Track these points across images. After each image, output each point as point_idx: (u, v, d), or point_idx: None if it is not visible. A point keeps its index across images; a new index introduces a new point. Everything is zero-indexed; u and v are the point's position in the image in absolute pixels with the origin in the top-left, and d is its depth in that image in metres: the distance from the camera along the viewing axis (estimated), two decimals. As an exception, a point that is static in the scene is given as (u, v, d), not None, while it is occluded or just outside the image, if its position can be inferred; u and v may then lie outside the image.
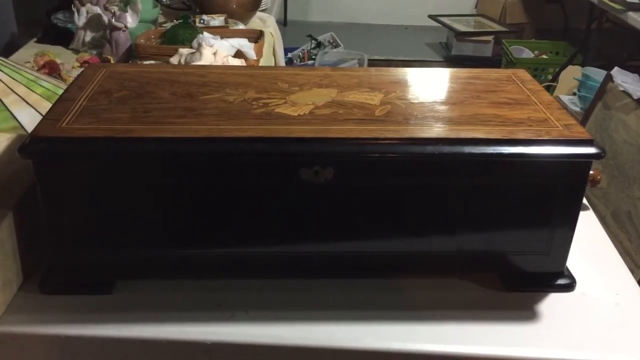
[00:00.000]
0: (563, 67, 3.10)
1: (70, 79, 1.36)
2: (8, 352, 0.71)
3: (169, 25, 1.78)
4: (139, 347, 0.71)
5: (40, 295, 0.74)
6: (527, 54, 3.48)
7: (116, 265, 0.75)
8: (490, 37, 3.93)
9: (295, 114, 0.74)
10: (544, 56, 3.52)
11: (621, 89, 2.03)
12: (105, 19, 1.67)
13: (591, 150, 0.70)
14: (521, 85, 0.86)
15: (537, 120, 0.75)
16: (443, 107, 0.78)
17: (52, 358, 0.72)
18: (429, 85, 0.86)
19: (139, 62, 1.51)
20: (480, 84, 0.86)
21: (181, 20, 1.67)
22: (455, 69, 0.93)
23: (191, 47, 1.48)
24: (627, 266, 0.86)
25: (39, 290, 0.74)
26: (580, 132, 0.72)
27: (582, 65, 2.92)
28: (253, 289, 0.76)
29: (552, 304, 0.77)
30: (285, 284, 0.77)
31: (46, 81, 1.05)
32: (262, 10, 2.23)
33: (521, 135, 0.71)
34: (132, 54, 1.64)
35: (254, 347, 0.70)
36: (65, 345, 0.70)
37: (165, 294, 0.75)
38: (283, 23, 4.38)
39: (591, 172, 0.75)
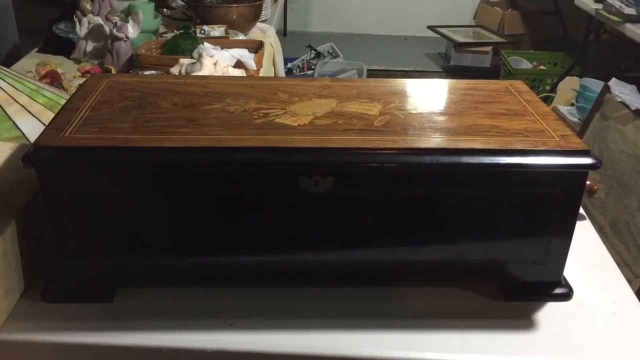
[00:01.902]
0: (561, 78, 3.12)
1: (72, 89, 1.37)
2: (10, 360, 0.72)
3: (169, 35, 1.79)
4: (140, 355, 0.71)
5: (42, 303, 0.74)
6: (526, 64, 3.50)
7: (117, 273, 0.75)
8: (488, 48, 3.95)
9: (295, 124, 0.75)
10: (542, 67, 3.53)
11: (619, 99, 2.04)
12: (107, 29, 1.68)
13: (587, 160, 0.71)
14: (518, 96, 0.87)
15: (534, 131, 0.76)
16: (441, 118, 0.79)
17: (53, 366, 0.72)
18: (427, 96, 0.87)
19: (139, 72, 1.52)
20: (477, 95, 0.87)
21: (182, 31, 1.68)
22: (453, 80, 0.94)
23: (192, 58, 1.49)
24: (625, 276, 0.87)
25: (41, 298, 0.74)
26: (576, 142, 0.73)
27: (580, 76, 2.93)
28: (254, 297, 0.77)
29: (549, 313, 0.78)
30: (286, 292, 0.78)
31: (48, 91, 1.06)
32: (262, 21, 2.25)
33: (518, 146, 0.72)
34: (133, 64, 1.65)
35: (255, 355, 0.70)
36: (67, 353, 0.71)
37: (166, 302, 0.76)
38: (283, 33, 4.41)
39: (588, 182, 0.76)
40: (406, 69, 3.98)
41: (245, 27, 2.02)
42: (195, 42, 1.61)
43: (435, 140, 0.73)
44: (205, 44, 1.56)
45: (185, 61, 1.47)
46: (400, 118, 0.78)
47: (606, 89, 2.13)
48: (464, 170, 0.71)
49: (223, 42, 1.69)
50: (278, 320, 0.74)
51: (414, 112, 0.81)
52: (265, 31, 2.17)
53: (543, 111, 0.82)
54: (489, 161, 0.70)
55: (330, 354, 0.71)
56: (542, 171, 0.71)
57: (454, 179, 0.72)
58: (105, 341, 0.71)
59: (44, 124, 0.96)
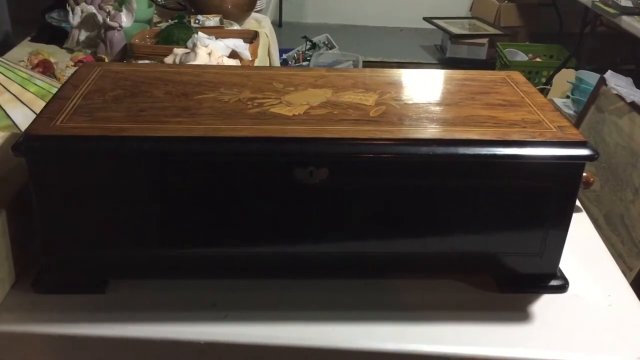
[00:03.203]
0: (557, 70, 3.11)
1: (65, 78, 1.35)
2: (0, 351, 0.71)
3: (164, 25, 1.77)
4: (132, 347, 0.70)
5: (33, 294, 0.73)
6: (522, 57, 3.50)
7: (109, 265, 0.74)
8: (484, 40, 3.94)
9: (290, 114, 0.74)
10: (538, 59, 3.53)
11: (614, 92, 2.04)
12: (100, 18, 1.67)
13: (584, 152, 0.70)
14: (515, 87, 0.86)
15: (531, 122, 0.75)
16: (437, 109, 0.78)
17: (44, 357, 0.71)
18: (423, 87, 0.86)
19: (133, 62, 1.51)
20: (474, 86, 0.86)
21: (176, 20, 1.66)
22: (450, 71, 0.93)
23: (186, 47, 1.48)
24: (620, 268, 0.87)
25: (32, 290, 0.74)
26: (573, 133, 0.73)
27: (576, 68, 2.93)
28: (247, 289, 0.76)
29: (545, 305, 0.77)
30: (280, 284, 0.77)
31: (40, 80, 1.05)
32: (258, 11, 2.23)
33: (515, 137, 0.71)
34: (127, 53, 1.63)
35: (248, 347, 0.70)
36: (58, 344, 0.70)
37: (159, 294, 0.75)
38: (278, 24, 4.38)
39: (584, 174, 0.75)
40: (402, 60, 3.97)
41: (240, 17, 2.01)
42: (190, 31, 1.59)
43: (431, 131, 0.72)
44: (200, 33, 1.54)
45: (179, 51, 1.46)
46: (396, 108, 0.78)
47: (602, 82, 2.13)
48: (460, 161, 0.70)
49: (218, 32, 1.67)
50: (272, 312, 0.73)
51: (410, 102, 0.80)
52: (260, 21, 2.16)
53: (540, 102, 0.81)
54: (486, 152, 0.69)
55: (324, 346, 0.70)
56: (539, 162, 0.70)
57: (450, 170, 0.71)
58: (97, 333, 0.70)
59: (35, 113, 0.94)
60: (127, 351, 0.71)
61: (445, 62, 3.98)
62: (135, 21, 1.70)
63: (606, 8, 2.61)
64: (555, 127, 0.74)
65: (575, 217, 0.77)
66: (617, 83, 2.07)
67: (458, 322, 0.74)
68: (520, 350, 0.71)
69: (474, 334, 0.72)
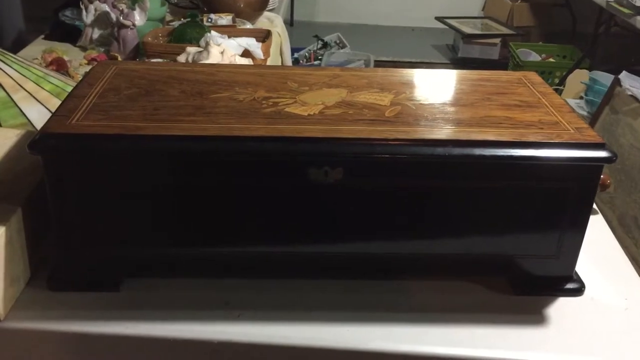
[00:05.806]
0: (570, 71, 3.09)
1: (78, 76, 1.36)
2: (15, 348, 0.71)
3: (176, 23, 1.78)
4: (146, 345, 0.70)
5: (48, 291, 0.74)
6: (534, 57, 3.47)
7: (124, 263, 0.75)
8: (497, 40, 3.92)
9: (305, 114, 0.74)
10: (551, 59, 3.51)
11: (629, 93, 2.02)
12: (113, 16, 1.67)
13: (603, 154, 0.70)
14: (532, 87, 0.85)
15: (548, 123, 0.74)
16: (453, 109, 0.78)
17: (58, 354, 0.72)
18: (439, 87, 0.86)
19: (146, 60, 1.51)
20: (490, 86, 0.85)
21: (189, 19, 1.67)
22: (465, 71, 0.93)
23: (199, 46, 1.48)
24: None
25: (47, 287, 0.74)
26: (591, 135, 0.72)
27: (590, 69, 2.91)
28: (261, 289, 0.76)
29: (561, 308, 0.77)
30: (294, 284, 0.77)
31: (55, 78, 1.05)
32: (270, 10, 2.23)
33: (532, 138, 0.70)
34: (140, 52, 1.64)
35: (261, 347, 0.70)
36: (72, 342, 0.70)
37: (173, 293, 0.75)
38: (290, 23, 4.38)
39: (601, 176, 0.75)
40: (413, 60, 3.96)
41: (252, 15, 2.01)
42: (202, 30, 1.59)
43: (447, 132, 0.71)
44: (213, 32, 1.55)
45: (192, 50, 1.46)
46: (412, 109, 0.77)
47: (616, 82, 2.11)
48: (476, 163, 0.69)
49: (230, 31, 1.67)
50: (285, 312, 0.73)
51: (426, 102, 0.79)
52: (272, 20, 2.16)
53: (557, 103, 0.80)
54: (502, 153, 0.69)
55: (338, 347, 0.70)
56: (557, 164, 0.70)
57: (466, 171, 0.71)
58: (111, 331, 0.70)
59: (50, 111, 0.95)
60: (140, 349, 0.71)
61: (457, 62, 3.97)
62: (148, 20, 1.71)
63: (621, 8, 2.58)
64: (573, 129, 0.73)
65: (592, 219, 0.76)
66: (632, 84, 2.06)
67: (473, 325, 0.73)
68: (536, 354, 0.70)
69: (489, 337, 0.72)
